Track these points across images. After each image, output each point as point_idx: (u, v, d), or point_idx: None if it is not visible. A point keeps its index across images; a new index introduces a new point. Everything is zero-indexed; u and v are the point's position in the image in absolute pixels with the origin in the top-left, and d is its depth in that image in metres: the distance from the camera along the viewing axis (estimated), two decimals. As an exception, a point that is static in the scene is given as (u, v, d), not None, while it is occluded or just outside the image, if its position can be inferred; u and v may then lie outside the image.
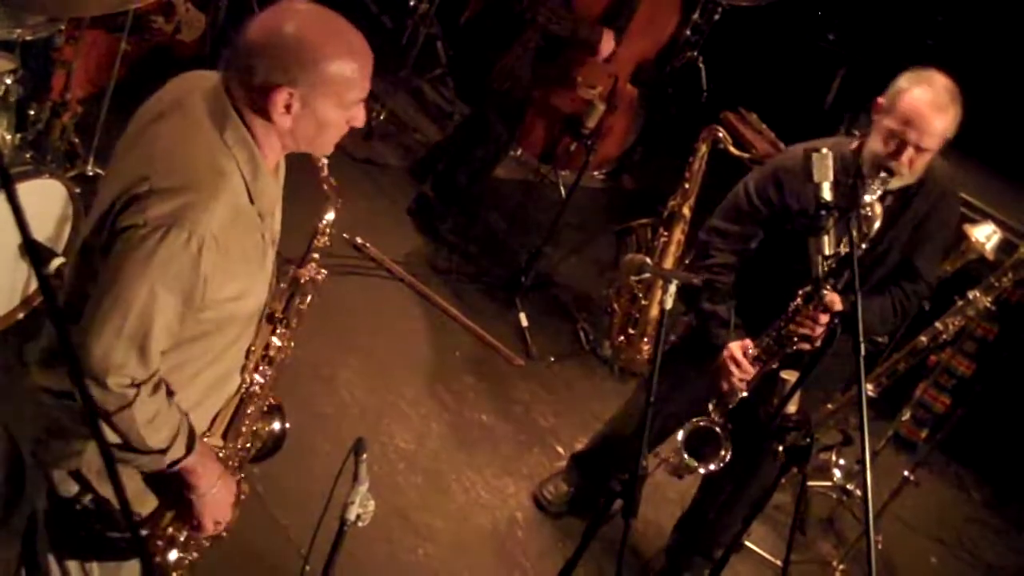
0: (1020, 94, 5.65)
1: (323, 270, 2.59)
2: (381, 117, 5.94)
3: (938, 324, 4.07)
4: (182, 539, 2.54)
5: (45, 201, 3.76)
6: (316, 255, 2.58)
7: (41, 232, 3.78)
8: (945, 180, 3.56)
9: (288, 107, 2.19)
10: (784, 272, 3.42)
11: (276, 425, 2.73)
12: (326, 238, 2.57)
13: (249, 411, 2.57)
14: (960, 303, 4.03)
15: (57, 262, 3.62)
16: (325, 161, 2.47)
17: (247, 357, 2.52)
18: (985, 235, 4.01)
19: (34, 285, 3.81)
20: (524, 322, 5.15)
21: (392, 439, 4.33)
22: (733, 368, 3.52)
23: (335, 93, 2.21)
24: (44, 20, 3.91)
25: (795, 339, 3.42)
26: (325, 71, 2.18)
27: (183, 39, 5.15)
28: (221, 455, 2.52)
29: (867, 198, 3.18)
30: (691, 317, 3.80)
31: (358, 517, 2.48)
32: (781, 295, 3.42)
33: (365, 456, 2.44)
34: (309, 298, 2.59)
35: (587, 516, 4.27)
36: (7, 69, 3.76)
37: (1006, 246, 4.23)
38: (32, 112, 4.19)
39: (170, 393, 2.32)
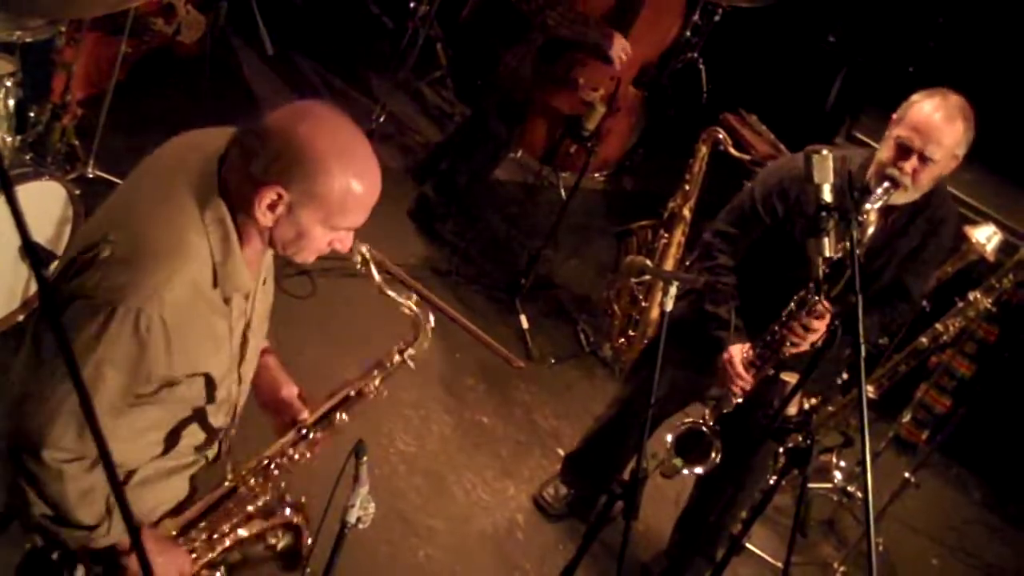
0: (1021, 95, 5.65)
1: (381, 389, 2.55)
2: (381, 119, 5.94)
3: (938, 325, 4.07)
4: None
5: (45, 203, 3.76)
6: (377, 374, 2.54)
7: (41, 234, 3.77)
8: (948, 207, 3.59)
9: (273, 207, 2.12)
10: (786, 277, 3.42)
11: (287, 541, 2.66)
12: (396, 362, 2.54)
13: (231, 506, 2.51)
14: (960, 304, 4.03)
15: (57, 264, 3.62)
16: (414, 300, 2.47)
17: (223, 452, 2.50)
18: (985, 236, 4.01)
19: (34, 287, 3.81)
20: (524, 324, 5.14)
21: (392, 441, 4.32)
22: (731, 373, 3.53)
23: (324, 210, 2.13)
24: (44, 22, 3.91)
25: (788, 343, 3.43)
26: (322, 186, 2.10)
27: (183, 41, 5.14)
28: (180, 543, 2.46)
29: (867, 205, 3.18)
30: (679, 308, 3.79)
31: (359, 519, 2.47)
32: (783, 299, 3.42)
33: (365, 458, 2.43)
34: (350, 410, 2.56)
35: (587, 518, 4.27)
36: (7, 71, 3.76)
37: (1006, 247, 4.23)
38: (32, 114, 4.19)
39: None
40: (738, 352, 3.53)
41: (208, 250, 2.15)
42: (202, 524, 2.49)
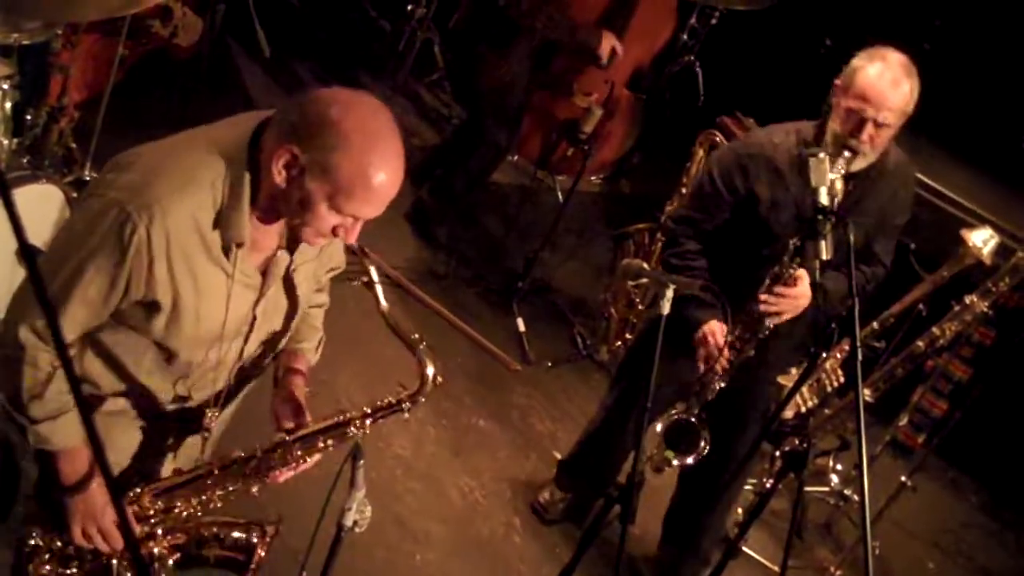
0: (1017, 98, 5.65)
1: (365, 428, 2.52)
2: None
3: (935, 329, 4.06)
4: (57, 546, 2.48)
5: (42, 206, 3.76)
6: (371, 412, 2.51)
7: (38, 237, 3.76)
8: (902, 165, 3.61)
9: (288, 167, 2.14)
10: (755, 256, 3.44)
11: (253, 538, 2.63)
12: (389, 406, 2.52)
13: (196, 490, 2.50)
14: (957, 308, 4.03)
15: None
16: (423, 346, 2.47)
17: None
18: (982, 240, 4.01)
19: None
20: (521, 327, 5.14)
21: (389, 445, 4.32)
22: (710, 343, 3.53)
23: (331, 186, 2.14)
24: (41, 25, 3.91)
25: (766, 320, 3.43)
26: (336, 159, 2.11)
27: (180, 43, 5.15)
28: (143, 508, 2.48)
29: (830, 175, 3.17)
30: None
31: (355, 523, 2.48)
32: (753, 278, 3.43)
33: (362, 462, 2.43)
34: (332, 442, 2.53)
35: (584, 522, 4.27)
36: (4, 74, 3.76)
37: (1003, 251, 4.23)
38: (29, 117, 4.18)
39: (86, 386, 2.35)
40: (717, 328, 3.53)
41: (219, 192, 2.20)
42: (164, 495, 2.50)
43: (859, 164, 3.37)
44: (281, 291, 2.45)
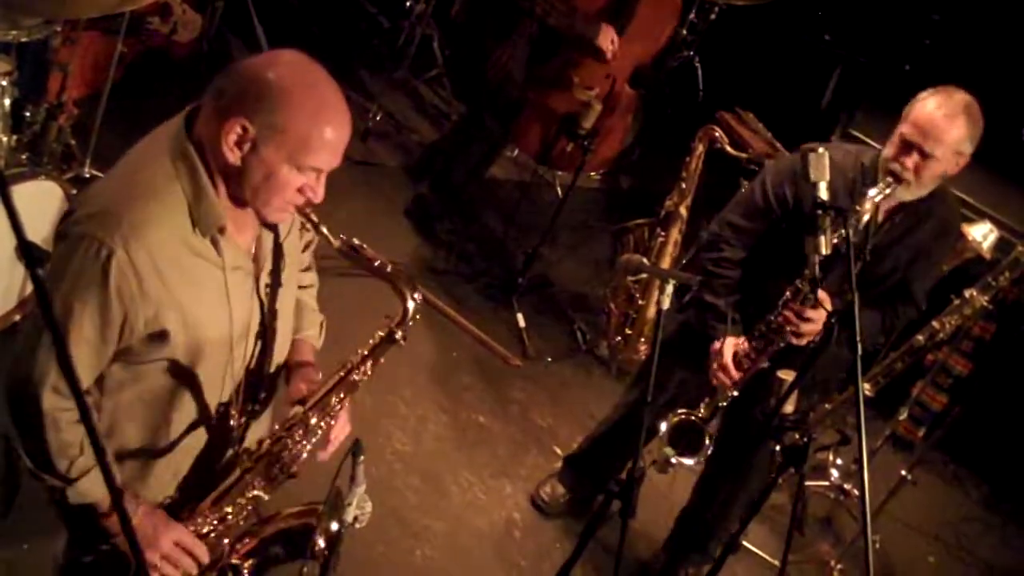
0: (1017, 93, 5.65)
1: (366, 370, 2.49)
2: (378, 118, 5.94)
3: (935, 323, 4.06)
4: None
5: (41, 202, 3.76)
6: (368, 353, 2.47)
7: (37, 234, 3.76)
8: (953, 210, 3.63)
9: (239, 143, 2.12)
10: (791, 274, 3.43)
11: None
12: (382, 339, 2.46)
13: (240, 487, 2.49)
14: (957, 302, 4.03)
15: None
16: (390, 267, 2.39)
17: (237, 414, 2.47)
18: (982, 234, 4.02)
19: (30, 287, 3.80)
20: (521, 322, 5.15)
21: (390, 440, 4.32)
22: (716, 365, 3.53)
23: (288, 147, 2.12)
24: (40, 22, 3.90)
25: (784, 333, 3.42)
26: (286, 118, 2.10)
27: (179, 40, 5.15)
28: (198, 525, 2.46)
29: (869, 193, 3.20)
30: (688, 314, 3.79)
31: (355, 519, 2.47)
32: (780, 293, 3.43)
33: (363, 457, 2.43)
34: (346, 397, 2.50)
35: (584, 517, 4.27)
36: (3, 70, 3.76)
37: (1003, 245, 4.23)
38: (28, 114, 4.17)
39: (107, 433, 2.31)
40: (730, 344, 3.53)
41: (180, 190, 2.16)
42: (214, 506, 2.48)
43: (905, 195, 3.37)
44: (277, 272, 2.43)
